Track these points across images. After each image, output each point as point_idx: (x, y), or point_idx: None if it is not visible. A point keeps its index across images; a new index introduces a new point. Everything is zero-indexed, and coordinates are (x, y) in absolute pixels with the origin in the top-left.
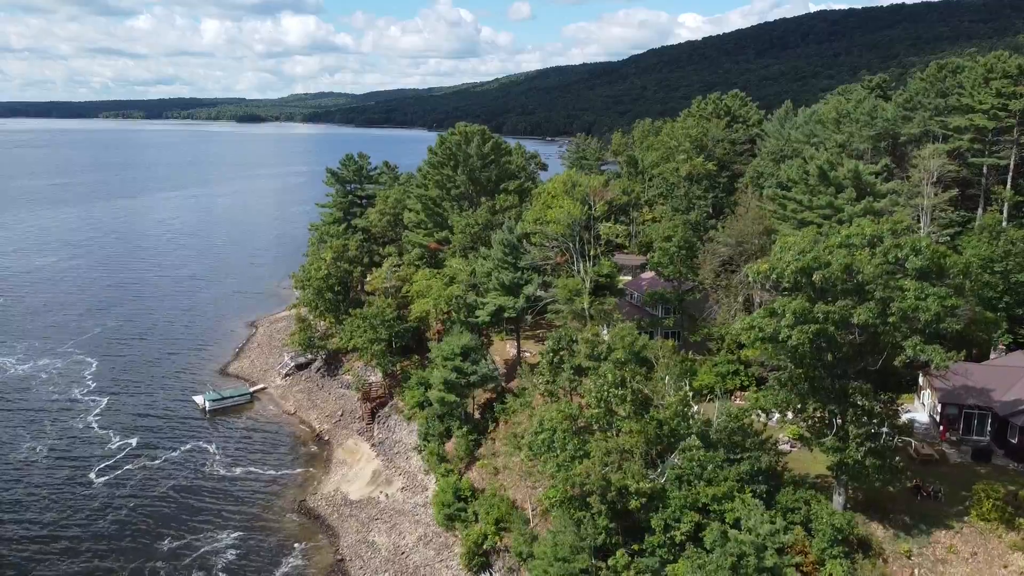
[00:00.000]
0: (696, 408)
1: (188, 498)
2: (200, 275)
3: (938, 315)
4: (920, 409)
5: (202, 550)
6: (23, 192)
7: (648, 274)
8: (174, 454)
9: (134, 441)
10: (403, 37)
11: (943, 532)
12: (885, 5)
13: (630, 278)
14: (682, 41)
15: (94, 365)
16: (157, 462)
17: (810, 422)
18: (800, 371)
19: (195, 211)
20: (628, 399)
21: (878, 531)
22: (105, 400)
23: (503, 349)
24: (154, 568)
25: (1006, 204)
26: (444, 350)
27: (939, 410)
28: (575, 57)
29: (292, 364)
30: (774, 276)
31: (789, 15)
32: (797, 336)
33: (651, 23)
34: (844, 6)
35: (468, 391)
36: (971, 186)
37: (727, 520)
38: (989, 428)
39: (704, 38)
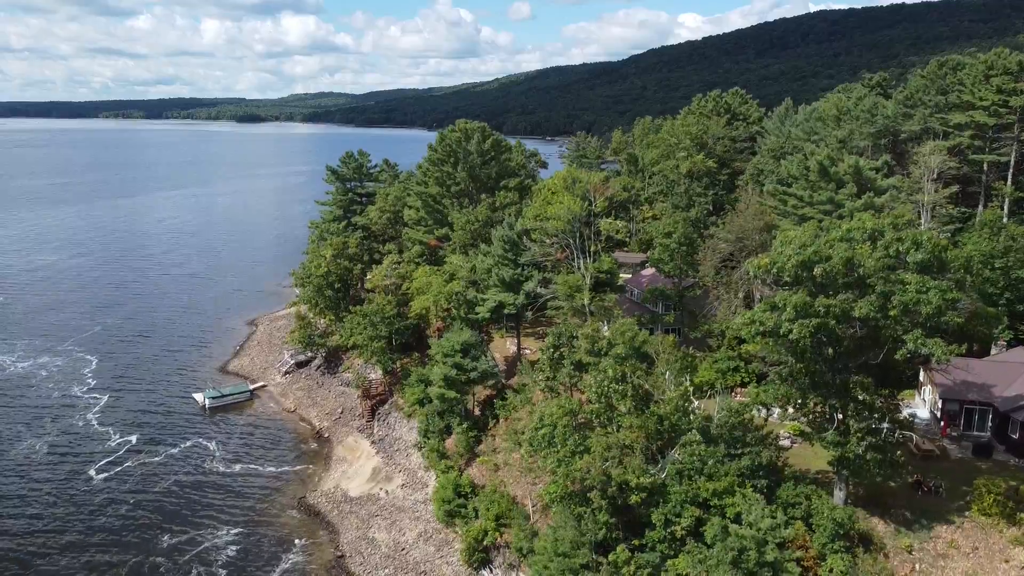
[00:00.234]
0: (696, 404)
1: (188, 495)
2: (200, 274)
3: (939, 308)
4: (921, 405)
5: (202, 546)
6: (23, 191)
7: (648, 271)
8: (174, 451)
9: (134, 438)
10: (403, 37)
11: (944, 527)
12: (885, 5)
13: (630, 276)
14: (682, 41)
15: (94, 363)
16: (157, 459)
17: (811, 417)
18: (801, 366)
19: (195, 210)
20: (629, 394)
21: (879, 526)
22: (105, 397)
23: (503, 346)
24: (154, 564)
25: (1007, 200)
26: (444, 346)
27: (940, 406)
28: (575, 57)
29: (292, 362)
30: (775, 270)
31: (789, 15)
32: (798, 330)
33: (651, 23)
34: (844, 6)
35: (468, 388)
36: (972, 183)
37: (728, 515)
38: (990, 424)
39: (704, 38)
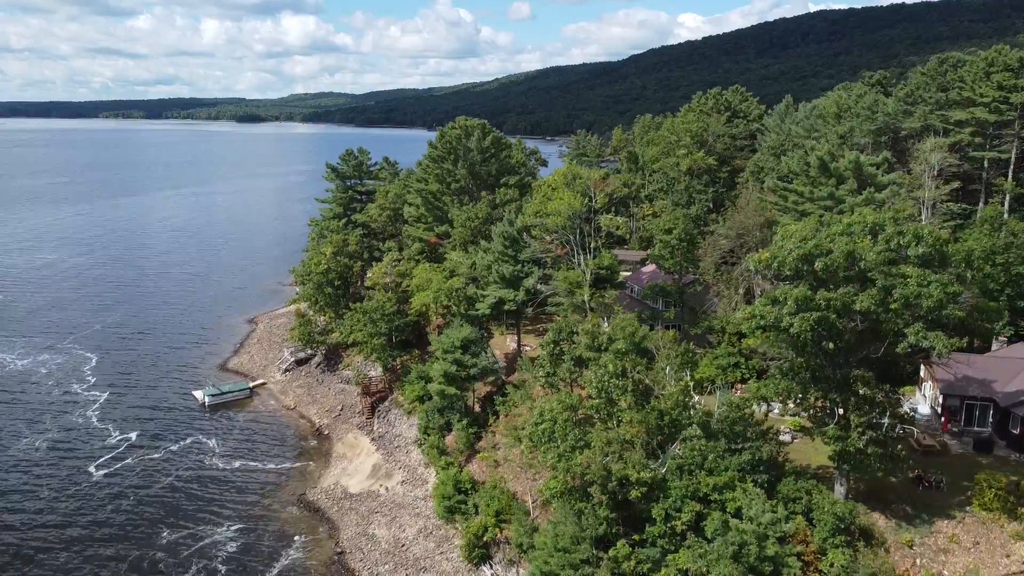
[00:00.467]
0: (697, 399)
1: (188, 491)
2: (200, 272)
3: (940, 302)
4: (921, 401)
5: (202, 542)
6: (24, 191)
7: (649, 268)
8: (174, 448)
9: (134, 435)
10: (403, 37)
11: (945, 522)
12: (885, 5)
13: (630, 273)
14: (682, 41)
15: (94, 360)
16: (157, 455)
17: (811, 411)
18: (801, 360)
19: (195, 209)
20: (629, 389)
21: (880, 521)
22: (105, 395)
23: (503, 343)
24: (154, 559)
25: (1007, 196)
26: (444, 343)
27: (940, 401)
28: (575, 57)
29: (292, 359)
30: (775, 265)
31: (789, 15)
32: (799, 324)
33: (651, 23)
34: (844, 6)
35: (468, 384)
36: (972, 181)
37: (728, 510)
38: (991, 419)
39: (704, 38)
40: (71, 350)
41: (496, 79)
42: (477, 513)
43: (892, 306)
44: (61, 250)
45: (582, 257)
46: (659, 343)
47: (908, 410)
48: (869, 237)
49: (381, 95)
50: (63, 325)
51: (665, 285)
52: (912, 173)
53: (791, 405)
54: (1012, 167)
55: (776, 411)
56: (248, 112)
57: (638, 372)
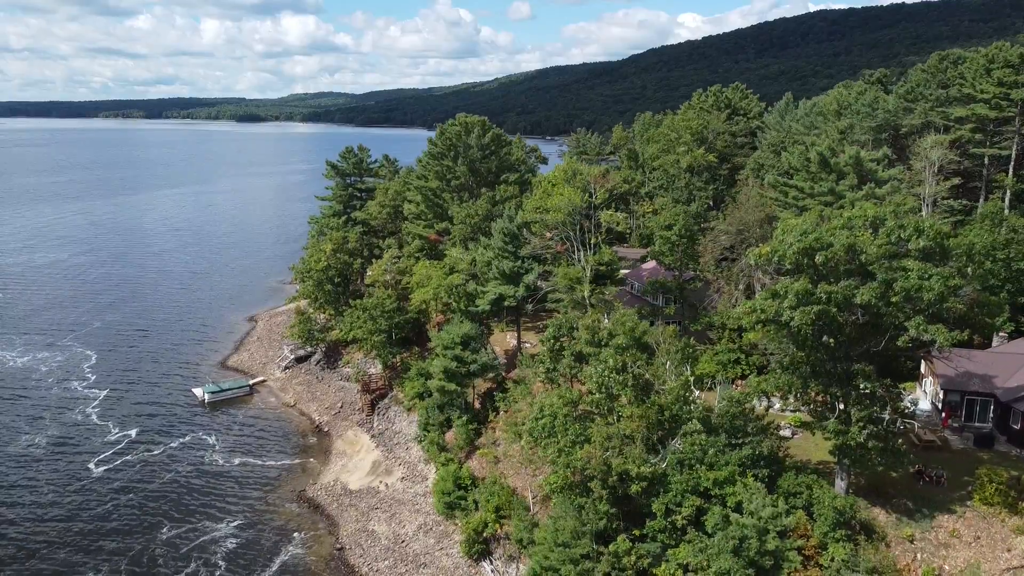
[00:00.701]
0: (697, 394)
1: (188, 487)
2: (200, 270)
3: (941, 295)
4: (922, 397)
5: (202, 538)
6: (24, 189)
7: (649, 264)
8: (173, 445)
9: (133, 432)
10: (403, 37)
11: (946, 517)
12: (885, 4)
13: (630, 270)
14: (682, 41)
15: (94, 358)
16: (156, 452)
17: (812, 406)
18: (802, 354)
19: (195, 208)
20: (629, 384)
21: (880, 516)
22: (104, 392)
23: (503, 340)
24: (153, 555)
25: (1008, 192)
26: (444, 339)
27: (941, 397)
28: (575, 57)
29: (292, 357)
30: (776, 258)
31: (789, 15)
32: (799, 317)
33: (651, 23)
34: (844, 6)
35: (468, 380)
36: (973, 179)
37: (728, 504)
38: (991, 415)
39: (704, 38)
40: (71, 348)
41: (496, 79)
42: (477, 509)
43: (893, 299)
44: (61, 248)
45: (582, 253)
46: (659, 338)
47: (909, 403)
48: (870, 231)
49: (381, 95)
50: (63, 323)
51: (665, 281)
52: (912, 169)
53: (791, 399)
54: (1013, 163)
55: (776, 407)
56: (248, 112)
57: (638, 367)
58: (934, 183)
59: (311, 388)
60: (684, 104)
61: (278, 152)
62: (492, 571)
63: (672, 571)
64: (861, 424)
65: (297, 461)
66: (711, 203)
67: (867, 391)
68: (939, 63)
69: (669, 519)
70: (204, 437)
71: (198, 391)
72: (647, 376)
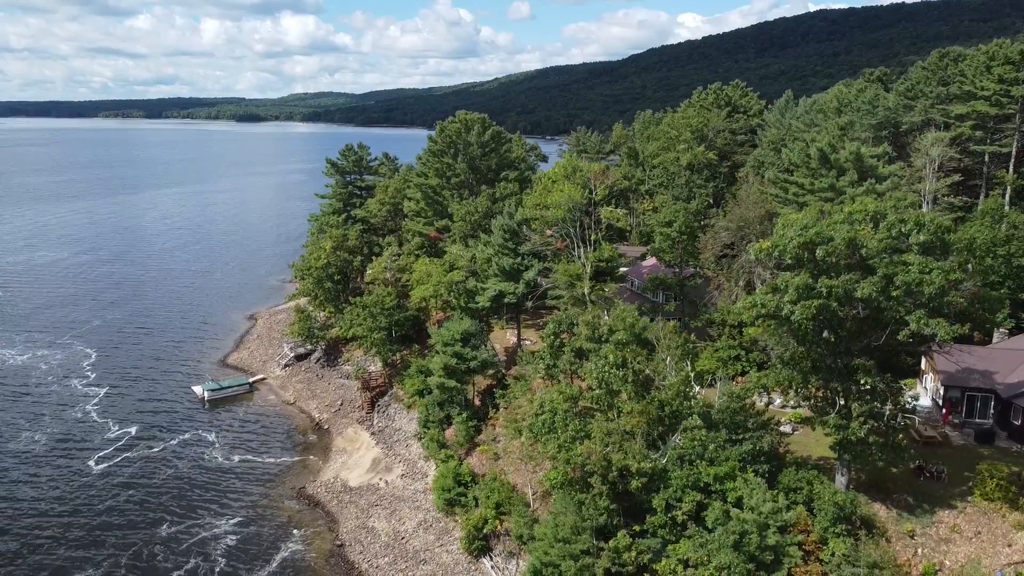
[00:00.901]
0: (698, 389)
1: (186, 485)
2: (200, 269)
3: (942, 288)
4: (923, 393)
5: (201, 535)
6: (25, 188)
7: (649, 261)
8: (173, 442)
9: (133, 430)
10: (402, 37)
11: (947, 512)
12: (885, 4)
13: (630, 268)
14: (682, 41)
15: (93, 356)
16: (156, 450)
17: (812, 401)
18: (802, 349)
19: (195, 207)
20: (629, 380)
21: (881, 512)
22: (104, 390)
23: (503, 337)
24: (152, 552)
25: (1008, 188)
26: (444, 335)
27: (941, 393)
28: (575, 57)
29: (292, 355)
30: (776, 253)
31: (788, 14)
32: (800, 311)
33: (650, 23)
34: (844, 5)
35: (468, 377)
36: (973, 176)
37: (729, 499)
38: (992, 411)
39: (704, 38)
40: (71, 346)
41: (496, 79)
42: (477, 505)
43: (894, 293)
44: (61, 247)
45: (582, 250)
46: (659, 334)
47: (909, 398)
48: (870, 225)
49: (381, 95)
50: (63, 321)
51: (665, 278)
52: (913, 167)
53: (792, 395)
54: (1013, 160)
55: (777, 403)
56: (248, 112)
57: (638, 363)
58: (934, 180)
59: (311, 386)
60: (684, 102)
61: (278, 152)
62: (492, 567)
63: (672, 566)
64: (862, 419)
65: (297, 458)
66: (711, 201)
67: (868, 386)
68: (939, 60)
69: (669, 514)
70: (204, 435)
71: (198, 389)
72: (647, 372)
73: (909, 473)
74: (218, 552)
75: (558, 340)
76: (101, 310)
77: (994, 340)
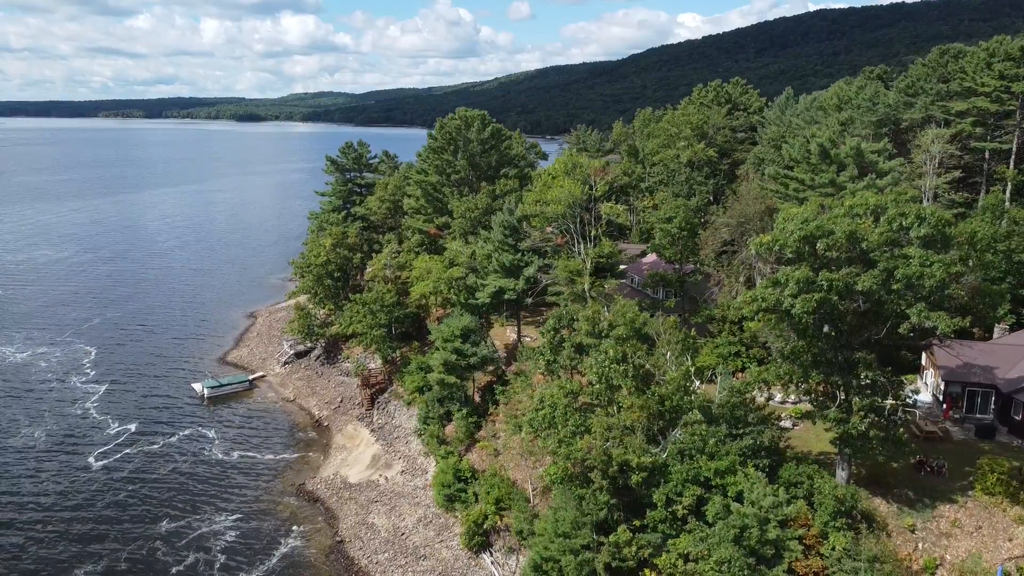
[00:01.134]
0: (698, 384)
1: (186, 481)
2: (200, 267)
3: (943, 281)
4: (923, 388)
5: (201, 531)
6: (25, 188)
7: (649, 258)
8: (172, 439)
9: (133, 427)
10: (402, 37)
11: (947, 507)
12: (884, 4)
13: (630, 265)
14: (681, 40)
15: (93, 353)
16: (155, 447)
17: (813, 395)
18: (803, 343)
19: (195, 206)
20: (629, 375)
21: (881, 506)
22: (104, 387)
23: (503, 334)
24: (152, 549)
25: (1009, 184)
26: (444, 332)
27: (942, 388)
28: (575, 57)
29: (291, 352)
30: (777, 247)
31: (788, 14)
32: (800, 305)
33: (650, 23)
34: (843, 5)
35: (468, 373)
36: (973, 174)
37: (729, 494)
38: (992, 406)
39: (704, 37)
40: (71, 343)
41: (496, 79)
42: (477, 501)
43: (894, 286)
44: (62, 246)
45: (582, 246)
46: (659, 329)
47: (910, 392)
48: (871, 219)
49: (381, 95)
50: (63, 319)
51: (666, 274)
52: (913, 163)
53: (792, 389)
54: (1013, 157)
55: (777, 399)
56: (248, 111)
57: (639, 358)
58: (934, 177)
59: (311, 383)
60: (684, 99)
61: (278, 151)
62: (492, 563)
63: (673, 561)
64: (862, 413)
65: (297, 455)
66: (711, 198)
67: (868, 380)
68: (940, 57)
69: (670, 509)
70: (204, 432)
71: (198, 386)
72: (647, 367)
73: (910, 468)
74: (218, 548)
75: (558, 335)
76: (101, 308)
77: (995, 336)
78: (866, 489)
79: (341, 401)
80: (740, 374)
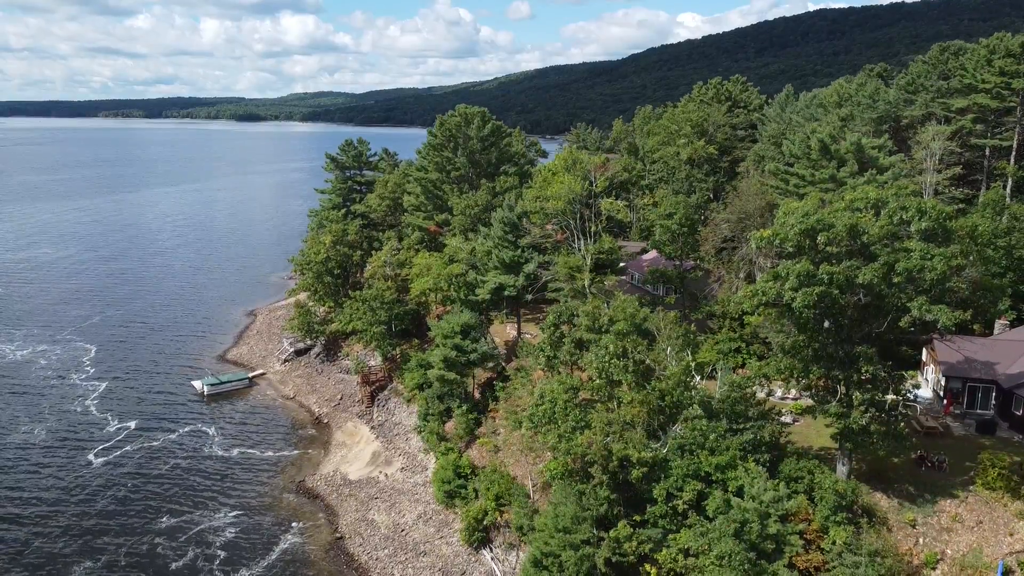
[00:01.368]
0: (698, 379)
1: (186, 478)
2: (200, 265)
3: (944, 274)
4: (924, 384)
5: (200, 528)
6: (25, 187)
7: (649, 255)
8: (172, 436)
9: (132, 424)
10: (402, 37)
11: (948, 501)
12: (884, 4)
13: (630, 262)
14: (681, 40)
15: (93, 351)
16: (156, 444)
17: (814, 389)
18: (803, 337)
19: (195, 205)
20: (630, 370)
21: (882, 501)
22: (104, 385)
23: (503, 332)
24: (152, 544)
25: (1010, 180)
26: (444, 328)
27: (943, 384)
28: (574, 56)
29: (291, 350)
30: (777, 241)
31: (788, 14)
32: (801, 298)
33: (650, 23)
34: (843, 4)
35: (468, 369)
36: (974, 171)
37: (730, 488)
38: (993, 401)
39: (703, 37)
40: (71, 341)
41: (496, 78)
42: (477, 497)
43: (895, 280)
44: (62, 244)
45: (582, 242)
46: (660, 324)
47: (911, 387)
48: (872, 212)
49: (380, 94)
50: (63, 317)
51: (666, 271)
52: (914, 159)
53: (793, 383)
54: (1014, 153)
55: (778, 394)
56: (247, 111)
57: (639, 353)
58: (935, 173)
59: (310, 381)
60: (684, 97)
61: (277, 151)
62: (492, 559)
63: (673, 556)
64: (863, 408)
65: (296, 452)
66: (711, 195)
67: (869, 374)
68: (940, 54)
69: (670, 504)
70: (203, 429)
71: (197, 384)
72: (648, 362)
73: (910, 463)
74: (218, 544)
75: (558, 331)
76: (101, 306)
77: (995, 331)
78: (867, 484)
79: (341, 398)
80: (740, 370)
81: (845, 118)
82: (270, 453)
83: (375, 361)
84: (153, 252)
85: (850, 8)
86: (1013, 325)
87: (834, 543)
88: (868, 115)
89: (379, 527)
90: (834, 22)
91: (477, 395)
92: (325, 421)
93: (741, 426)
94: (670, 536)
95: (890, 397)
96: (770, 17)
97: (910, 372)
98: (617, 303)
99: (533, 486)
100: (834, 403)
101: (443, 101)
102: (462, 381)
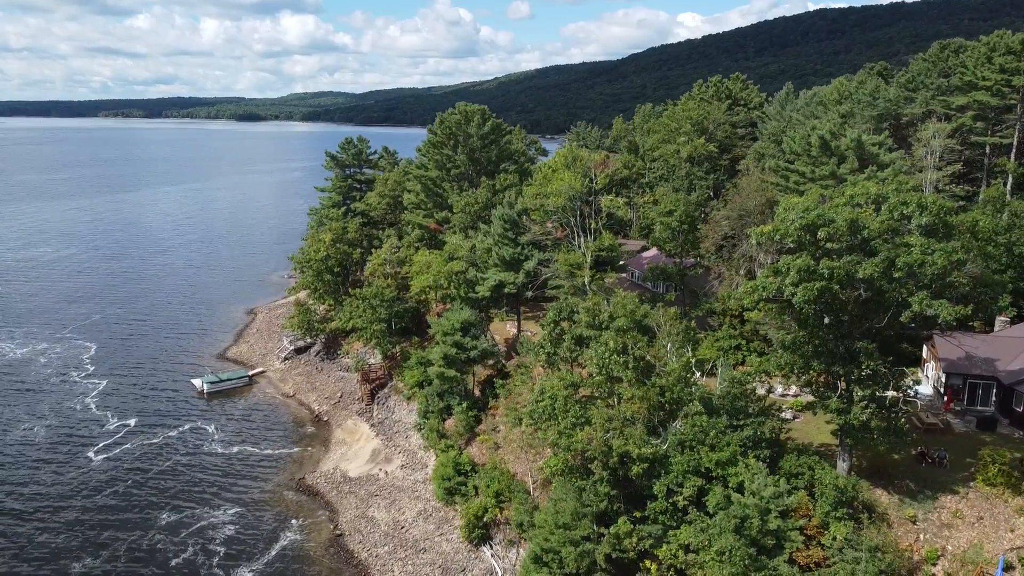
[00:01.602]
0: (698, 375)
1: (186, 475)
2: (200, 264)
3: (944, 269)
4: (924, 381)
5: (200, 524)
6: (25, 186)
7: (649, 253)
8: (172, 434)
9: (132, 422)
10: (402, 36)
11: (949, 497)
12: (884, 3)
13: (630, 260)
14: (681, 40)
15: (93, 349)
16: (155, 441)
17: (814, 385)
18: (804, 333)
19: (195, 204)
20: (630, 366)
21: (883, 497)
22: (104, 383)
23: (503, 329)
24: (152, 541)
25: (1010, 177)
26: (444, 325)
27: (943, 380)
28: (574, 56)
29: (291, 348)
30: (778, 236)
31: (788, 13)
32: (802, 294)
33: (650, 22)
34: (843, 4)
35: (468, 367)
36: (974, 169)
37: (730, 484)
38: (994, 398)
39: (703, 37)
40: (71, 339)
41: (495, 78)
42: (477, 494)
43: (896, 275)
44: (62, 244)
45: (582, 239)
46: (660, 320)
47: (911, 383)
48: (872, 207)
49: (380, 94)
50: (63, 316)
51: (666, 267)
52: (914, 157)
53: (793, 379)
54: (1014, 151)
55: (778, 391)
56: (247, 111)
57: (639, 349)
58: (935, 171)
59: (310, 379)
60: (684, 95)
61: (277, 151)
62: (492, 556)
63: (673, 552)
64: (864, 403)
65: (296, 450)
66: (711, 193)
67: (869, 370)
68: (940, 52)
69: (670, 500)
70: (203, 426)
71: (197, 382)
72: (648, 358)
73: (911, 459)
74: (216, 541)
75: (558, 328)
76: (102, 305)
77: (996, 328)
78: (867, 480)
79: (341, 396)
80: (741, 367)
81: (845, 115)
82: (270, 451)
83: (375, 359)
84: (153, 251)
85: (850, 8)
86: (1014, 322)
87: (834, 539)
88: (868, 112)
89: (379, 524)
90: (834, 22)
91: (477, 392)
92: (325, 419)
93: (741, 422)
94: (670, 532)
95: (891, 393)
96: (770, 17)
97: (911, 368)
98: (617, 299)
99: (533, 483)
100: (834, 399)
101: (443, 101)
102: (462, 378)
